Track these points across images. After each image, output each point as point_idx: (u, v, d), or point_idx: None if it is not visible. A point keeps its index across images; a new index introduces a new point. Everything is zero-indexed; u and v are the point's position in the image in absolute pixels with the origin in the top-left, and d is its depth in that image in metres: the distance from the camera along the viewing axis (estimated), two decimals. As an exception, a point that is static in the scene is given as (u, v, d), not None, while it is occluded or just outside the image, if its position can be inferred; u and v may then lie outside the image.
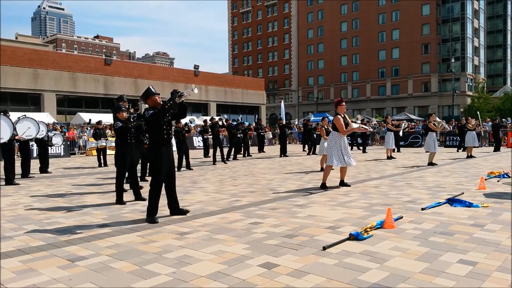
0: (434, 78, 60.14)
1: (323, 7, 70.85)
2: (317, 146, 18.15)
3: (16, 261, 3.68)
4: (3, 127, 9.32)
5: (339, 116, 7.83)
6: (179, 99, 5.23)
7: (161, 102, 5.30)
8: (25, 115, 11.19)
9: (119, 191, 6.69)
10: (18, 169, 10.30)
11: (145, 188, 7.69)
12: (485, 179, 8.47)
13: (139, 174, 8.64)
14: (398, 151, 19.46)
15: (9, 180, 9.40)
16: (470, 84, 61.31)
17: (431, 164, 12.13)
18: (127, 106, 7.76)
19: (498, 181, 8.52)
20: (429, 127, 12.40)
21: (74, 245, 4.18)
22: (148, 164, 10.51)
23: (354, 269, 3.32)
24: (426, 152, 13.30)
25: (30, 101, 28.61)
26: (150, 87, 5.52)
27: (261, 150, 21.64)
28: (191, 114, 34.66)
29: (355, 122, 8.44)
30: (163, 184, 5.38)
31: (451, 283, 2.99)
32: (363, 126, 8.44)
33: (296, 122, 20.39)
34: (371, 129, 8.96)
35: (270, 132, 28.71)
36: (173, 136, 5.37)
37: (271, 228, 4.78)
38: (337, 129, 7.85)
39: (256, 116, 40.65)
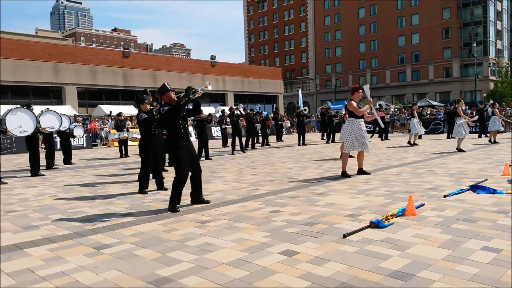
0: (455, 63, 58.69)
1: (340, -7, 69.70)
2: (337, 134, 18.03)
3: (44, 249, 3.81)
4: (27, 120, 9.55)
5: (352, 101, 7.78)
6: (193, 95, 5.34)
7: (176, 98, 5.40)
8: (48, 108, 11.44)
9: (142, 181, 6.80)
10: (42, 160, 10.57)
11: (166, 178, 7.81)
12: (510, 165, 8.26)
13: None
14: (420, 137, 19.15)
15: (35, 171, 9.67)
16: (493, 68, 59.64)
17: (460, 150, 11.89)
18: (151, 100, 7.85)
19: (523, 167, 8.30)
20: (457, 112, 12.12)
21: (99, 234, 4.29)
22: (168, 154, 10.66)
23: (375, 257, 3.31)
24: (455, 138, 12.96)
25: (52, 94, 29.21)
26: (165, 83, 5.63)
27: (279, 139, 21.63)
28: (209, 105, 34.84)
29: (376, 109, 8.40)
30: (189, 175, 5.47)
31: (474, 270, 2.96)
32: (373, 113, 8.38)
33: (307, 111, 20.20)
34: (377, 116, 8.90)
35: (288, 121, 28.63)
36: (192, 128, 5.54)
37: (291, 216, 4.80)
38: (352, 115, 7.77)
39: (274, 105, 40.54)
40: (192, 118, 13.40)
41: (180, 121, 5.39)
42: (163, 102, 5.59)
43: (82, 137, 18.90)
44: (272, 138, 21.69)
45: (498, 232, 3.88)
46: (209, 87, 5.51)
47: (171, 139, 5.42)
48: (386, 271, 3.00)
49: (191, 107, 5.60)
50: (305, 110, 20.32)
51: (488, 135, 16.65)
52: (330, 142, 18.70)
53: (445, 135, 20.93)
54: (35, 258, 3.57)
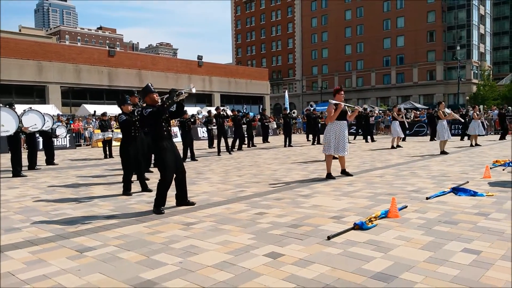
0: (439, 66, 59.65)
1: (326, -5, 70.20)
2: (321, 136, 18.15)
3: (25, 252, 3.75)
4: (9, 119, 9.39)
5: (330, 105, 7.82)
6: (177, 98, 5.30)
7: (159, 100, 5.37)
8: (30, 108, 11.26)
9: (126, 183, 6.75)
10: (24, 161, 10.39)
11: (151, 180, 7.76)
12: (490, 168, 8.45)
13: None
14: (404, 140, 19.40)
15: (16, 172, 9.49)
16: (476, 71, 60.79)
17: (443, 152, 12.09)
18: (137, 101, 7.78)
19: (503, 169, 8.49)
20: (438, 115, 12.35)
21: (82, 236, 4.24)
22: (153, 156, 10.58)
23: (358, 258, 3.35)
24: (436, 140, 13.19)
25: (35, 93, 28.74)
26: (149, 84, 5.59)
27: (265, 140, 21.67)
28: (195, 105, 34.71)
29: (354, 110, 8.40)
30: (173, 177, 5.45)
31: (454, 272, 3.02)
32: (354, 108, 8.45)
33: (295, 114, 20.37)
34: (360, 109, 9.05)
35: (274, 122, 28.67)
36: (177, 129, 5.51)
37: (276, 218, 4.82)
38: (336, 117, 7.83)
39: (261, 106, 40.60)
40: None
41: (163, 123, 5.36)
42: (145, 104, 5.55)
43: (65, 137, 18.63)
44: (258, 139, 21.72)
45: (478, 234, 3.96)
46: (193, 90, 5.47)
47: (154, 141, 5.38)
48: (369, 272, 3.05)
49: (174, 109, 5.56)
50: (293, 113, 20.42)
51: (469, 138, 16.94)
52: (315, 143, 18.81)
53: (429, 137, 21.24)
54: (16, 261, 3.51)
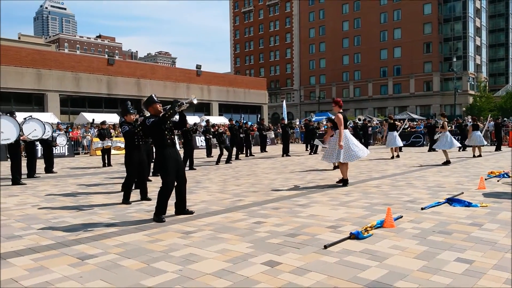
0: (436, 77, 60.12)
1: (324, 7, 70.88)
2: (319, 146, 18.25)
3: (27, 259, 3.81)
4: (10, 128, 9.46)
5: (339, 114, 8.21)
6: (179, 108, 5.44)
7: (162, 111, 5.51)
8: (31, 116, 11.34)
9: (126, 191, 6.81)
10: (24, 169, 10.44)
11: (150, 189, 7.82)
12: (485, 179, 8.56)
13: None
14: (400, 150, 19.49)
15: (16, 180, 9.54)
16: (472, 83, 61.30)
17: (446, 162, 12.20)
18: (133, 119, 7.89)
19: (498, 180, 8.60)
20: (443, 126, 12.49)
21: (83, 244, 4.31)
22: (153, 164, 10.66)
23: (354, 267, 3.43)
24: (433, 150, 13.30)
25: (34, 101, 28.79)
26: (153, 95, 5.75)
27: (263, 149, 21.76)
28: (193, 114, 34.84)
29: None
30: (174, 185, 5.55)
31: (447, 281, 3.10)
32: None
33: (298, 122, 20.93)
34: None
35: (272, 132, 28.76)
36: (177, 139, 5.65)
37: (274, 227, 4.90)
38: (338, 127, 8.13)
39: (259, 116, 40.74)
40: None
41: (166, 132, 5.48)
42: (149, 114, 5.69)
43: (64, 145, 18.69)
44: (256, 149, 21.80)
45: (471, 244, 4.05)
46: (195, 101, 5.63)
47: (157, 149, 5.50)
48: (364, 281, 3.13)
49: (177, 120, 5.71)
50: (295, 123, 20.65)
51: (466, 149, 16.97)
52: (312, 153, 18.91)
53: (425, 147, 21.35)
54: (19, 268, 3.58)
